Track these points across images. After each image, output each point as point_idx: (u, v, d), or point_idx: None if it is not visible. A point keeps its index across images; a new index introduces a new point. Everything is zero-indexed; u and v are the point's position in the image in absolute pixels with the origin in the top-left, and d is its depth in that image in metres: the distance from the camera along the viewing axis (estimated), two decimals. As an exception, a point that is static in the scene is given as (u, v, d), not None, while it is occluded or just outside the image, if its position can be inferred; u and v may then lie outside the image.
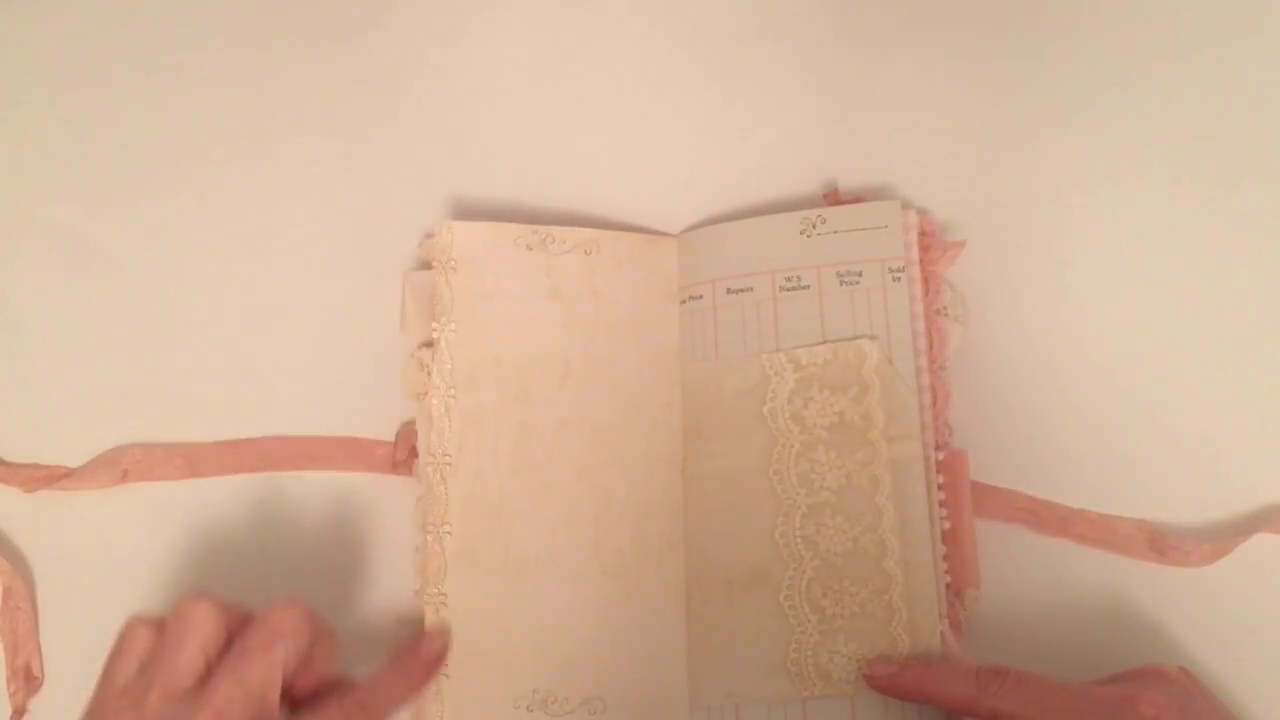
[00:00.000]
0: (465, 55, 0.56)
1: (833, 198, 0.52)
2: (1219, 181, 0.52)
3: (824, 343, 0.48)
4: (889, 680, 0.44)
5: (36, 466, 0.50)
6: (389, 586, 0.49)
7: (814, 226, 0.50)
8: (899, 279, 0.48)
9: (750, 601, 0.46)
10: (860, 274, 0.49)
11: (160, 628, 0.40)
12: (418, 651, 0.44)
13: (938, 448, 0.47)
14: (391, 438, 0.51)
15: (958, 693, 0.42)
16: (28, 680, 0.48)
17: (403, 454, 0.50)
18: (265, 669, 0.38)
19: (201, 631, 0.39)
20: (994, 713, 0.41)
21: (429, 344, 0.49)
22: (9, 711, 0.47)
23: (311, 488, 0.50)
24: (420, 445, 0.49)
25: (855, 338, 0.48)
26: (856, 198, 0.52)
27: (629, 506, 0.48)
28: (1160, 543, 0.47)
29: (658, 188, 0.54)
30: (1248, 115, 0.53)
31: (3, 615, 0.48)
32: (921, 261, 0.49)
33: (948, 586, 0.46)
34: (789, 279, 0.49)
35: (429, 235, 0.51)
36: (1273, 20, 0.54)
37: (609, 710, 0.46)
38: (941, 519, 0.46)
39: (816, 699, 0.45)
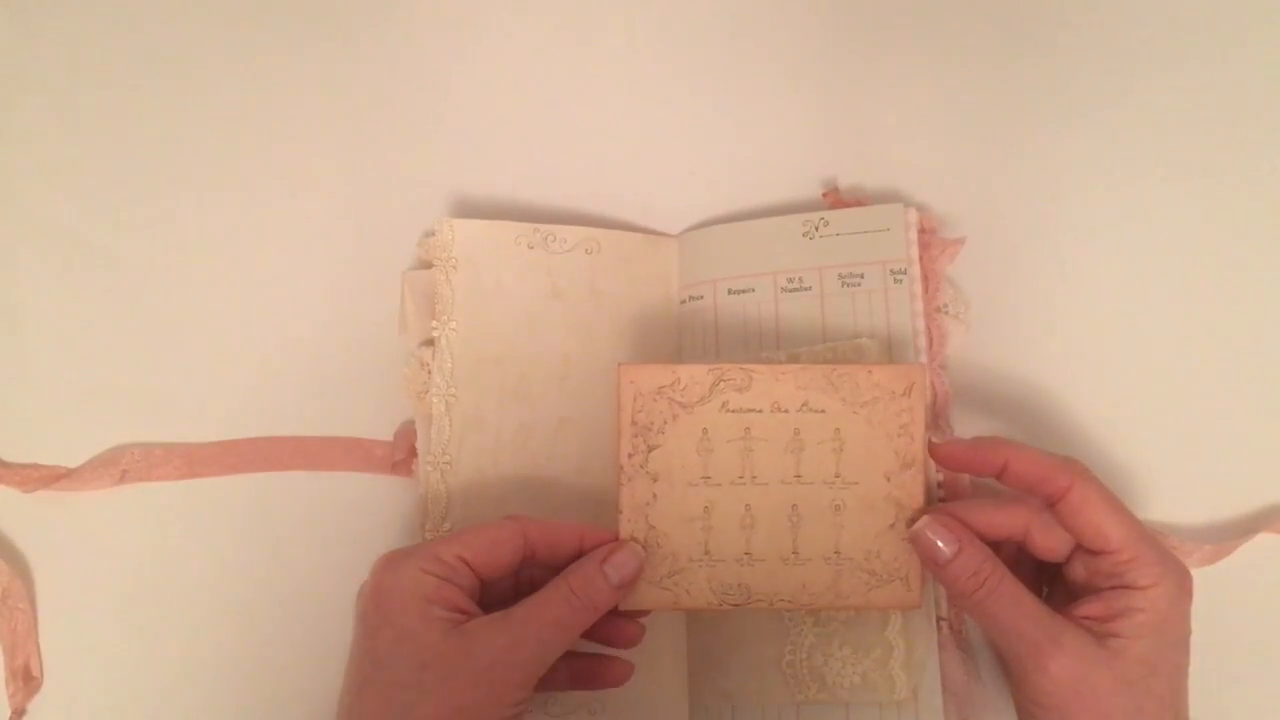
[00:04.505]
0: (466, 54, 0.56)
1: (833, 197, 0.52)
2: (1219, 181, 0.52)
3: (824, 343, 0.48)
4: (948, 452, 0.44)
5: (35, 467, 0.50)
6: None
7: (816, 229, 0.50)
8: (901, 281, 0.48)
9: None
10: (862, 276, 0.49)
11: None
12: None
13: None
14: (391, 438, 0.51)
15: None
16: (27, 681, 0.48)
17: (401, 454, 0.50)
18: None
19: None
20: None
21: (430, 343, 0.49)
22: (9, 712, 0.47)
23: (310, 488, 0.50)
24: (420, 445, 0.49)
25: (855, 337, 0.48)
26: (856, 199, 0.52)
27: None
28: (1161, 543, 0.47)
29: (658, 188, 0.54)
30: (1247, 115, 0.53)
31: (2, 616, 0.48)
32: (921, 259, 0.49)
33: (949, 587, 0.46)
34: (791, 280, 0.49)
35: (429, 233, 0.51)
36: (1272, 21, 0.54)
37: (607, 711, 0.46)
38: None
39: (811, 703, 0.45)
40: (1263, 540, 0.48)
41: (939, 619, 0.46)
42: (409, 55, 0.55)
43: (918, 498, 0.43)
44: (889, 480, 0.43)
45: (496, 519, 0.42)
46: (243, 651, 0.49)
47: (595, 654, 0.45)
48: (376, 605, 0.40)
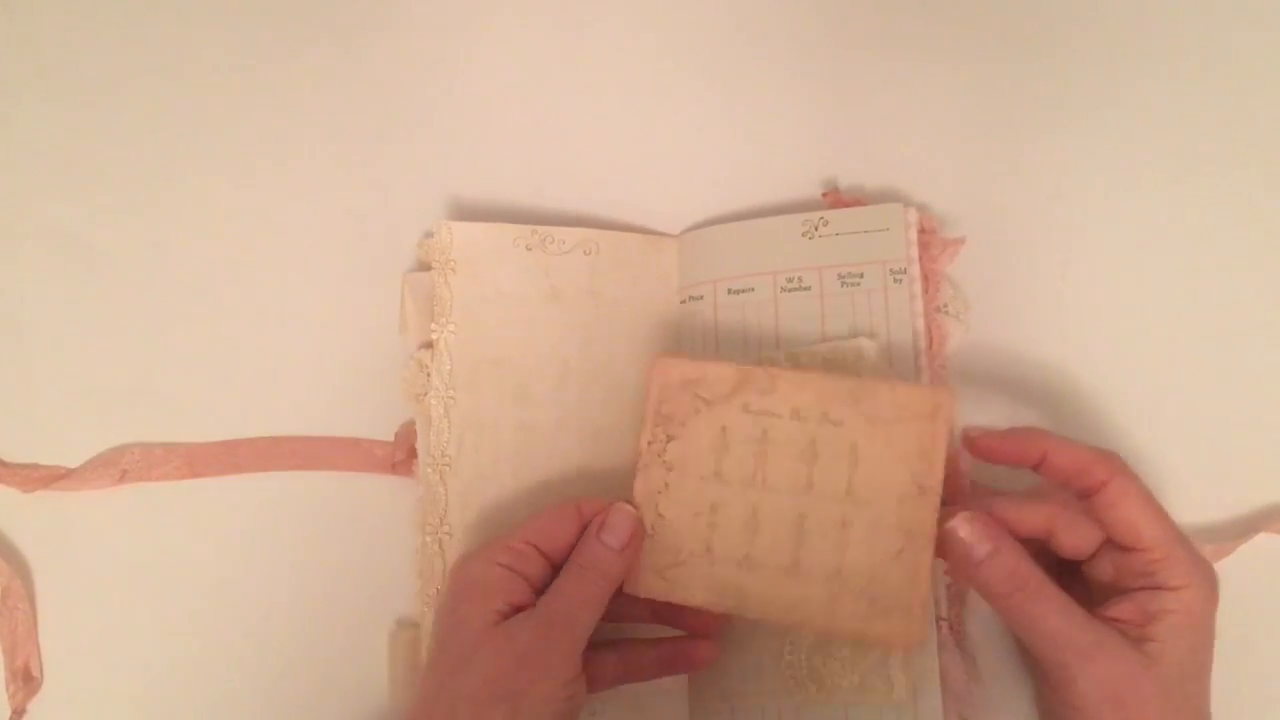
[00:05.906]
0: (465, 55, 0.56)
1: (833, 197, 0.52)
2: (1218, 181, 0.52)
3: (824, 343, 0.48)
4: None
5: (35, 466, 0.50)
6: (389, 586, 0.49)
7: (816, 228, 0.50)
8: (900, 281, 0.48)
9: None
10: (861, 276, 0.49)
11: None
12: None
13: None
14: (391, 438, 0.51)
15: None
16: (26, 681, 0.48)
17: (401, 454, 0.50)
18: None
19: None
20: None
21: (429, 345, 0.49)
22: (9, 712, 0.47)
23: (311, 488, 0.50)
24: (420, 446, 0.49)
25: (854, 337, 0.48)
26: (856, 199, 0.52)
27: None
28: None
29: (658, 188, 0.54)
30: (1247, 114, 0.53)
31: (2, 616, 0.48)
32: (921, 259, 0.49)
33: (948, 588, 0.46)
34: (790, 280, 0.49)
35: (428, 236, 0.51)
36: (1271, 21, 0.54)
37: (608, 711, 0.46)
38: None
39: (810, 704, 0.45)
40: (1263, 540, 0.48)
41: (939, 619, 0.46)
42: (408, 56, 0.55)
43: (930, 527, 0.41)
44: (901, 505, 0.42)
45: (556, 504, 0.44)
46: (243, 651, 0.49)
47: (679, 637, 0.46)
48: (450, 593, 0.43)
